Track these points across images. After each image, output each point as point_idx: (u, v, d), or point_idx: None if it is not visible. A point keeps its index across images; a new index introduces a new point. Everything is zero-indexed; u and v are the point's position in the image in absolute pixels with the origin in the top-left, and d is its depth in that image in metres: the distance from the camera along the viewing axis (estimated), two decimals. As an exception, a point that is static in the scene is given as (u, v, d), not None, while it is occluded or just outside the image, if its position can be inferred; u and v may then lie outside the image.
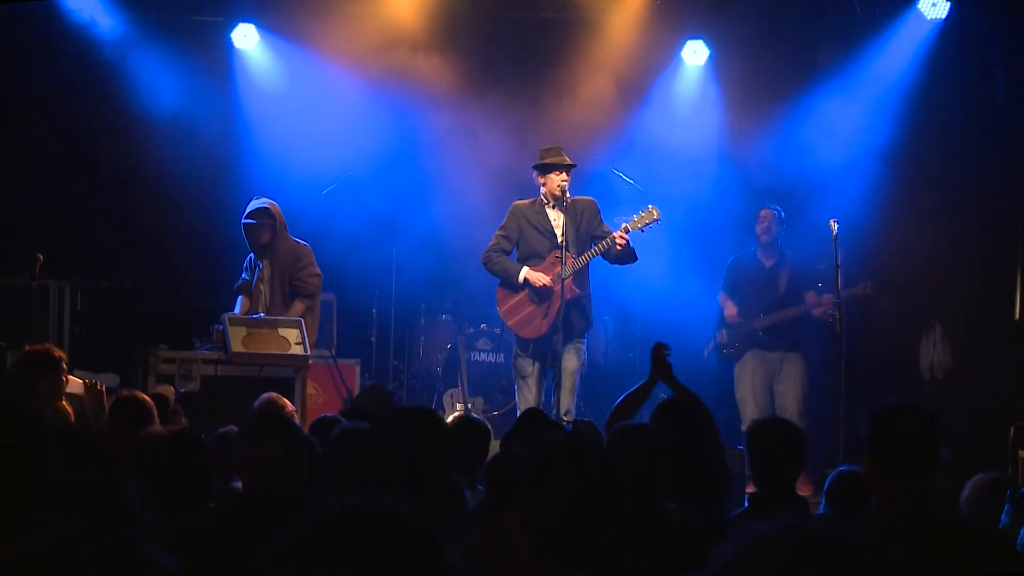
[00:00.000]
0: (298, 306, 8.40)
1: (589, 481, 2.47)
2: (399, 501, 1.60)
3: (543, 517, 2.45)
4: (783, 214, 9.04)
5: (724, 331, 9.16)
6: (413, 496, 2.99)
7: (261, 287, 8.46)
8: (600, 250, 8.02)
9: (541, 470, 2.51)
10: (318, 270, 8.50)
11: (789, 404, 8.84)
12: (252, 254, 8.51)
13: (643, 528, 3.36)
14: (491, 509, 3.49)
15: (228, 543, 3.13)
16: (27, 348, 6.17)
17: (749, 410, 8.85)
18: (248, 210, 8.40)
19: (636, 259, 8.14)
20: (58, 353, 6.07)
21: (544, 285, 8.05)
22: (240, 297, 8.51)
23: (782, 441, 4.20)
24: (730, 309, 9.11)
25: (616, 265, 8.21)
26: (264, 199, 8.46)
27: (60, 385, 5.95)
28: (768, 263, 9.06)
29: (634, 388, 5.44)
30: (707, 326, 9.47)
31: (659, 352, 5.52)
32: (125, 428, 5.08)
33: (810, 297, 8.85)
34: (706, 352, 9.29)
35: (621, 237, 7.94)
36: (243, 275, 8.59)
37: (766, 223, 9.00)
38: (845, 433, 8.62)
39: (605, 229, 8.11)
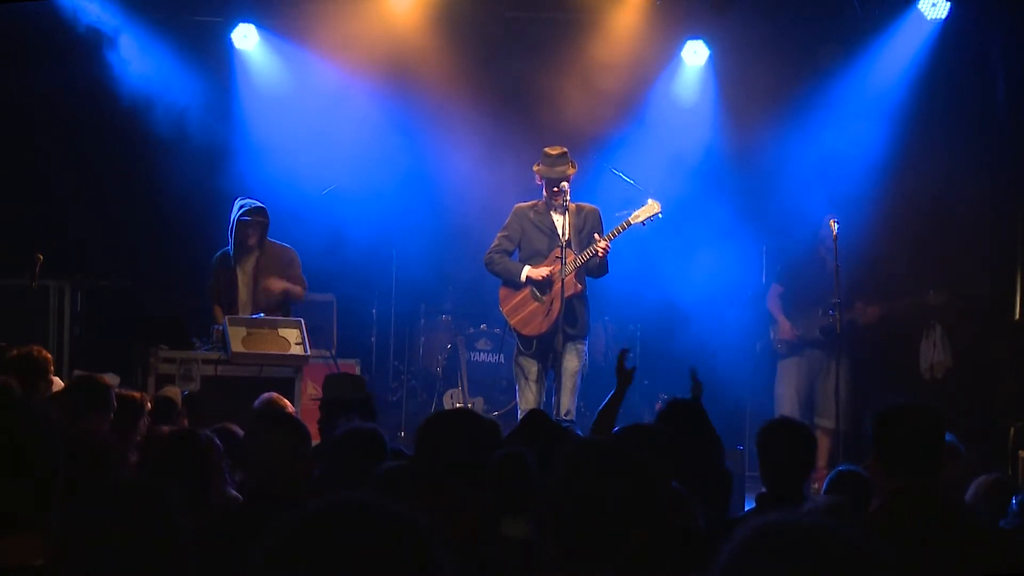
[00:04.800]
0: (296, 287, 8.53)
1: (620, 484, 2.47)
2: (389, 499, 1.60)
3: (573, 519, 2.45)
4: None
5: (778, 328, 9.14)
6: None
7: (239, 289, 8.51)
8: (585, 257, 8.01)
9: (573, 473, 2.51)
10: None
11: (828, 405, 8.77)
12: (219, 255, 8.58)
13: (662, 529, 3.37)
14: (497, 509, 3.49)
15: (230, 543, 3.13)
16: (14, 352, 6.22)
17: (788, 407, 8.81)
18: (245, 207, 8.43)
19: (607, 271, 8.12)
20: (46, 355, 6.15)
21: (546, 276, 8.04)
22: (217, 308, 8.55)
23: (792, 442, 4.22)
24: (784, 325, 9.06)
25: (590, 277, 8.18)
26: (254, 200, 8.53)
27: (51, 387, 6.04)
28: (830, 264, 8.95)
29: (606, 400, 5.50)
30: (709, 325, 9.48)
31: (621, 360, 5.61)
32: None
33: (858, 306, 8.78)
34: (758, 348, 9.29)
35: (605, 247, 7.91)
36: (210, 278, 8.64)
37: (833, 230, 8.78)
38: (845, 433, 8.64)
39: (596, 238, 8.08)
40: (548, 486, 2.57)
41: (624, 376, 5.55)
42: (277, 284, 8.48)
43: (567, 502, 2.48)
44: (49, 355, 6.33)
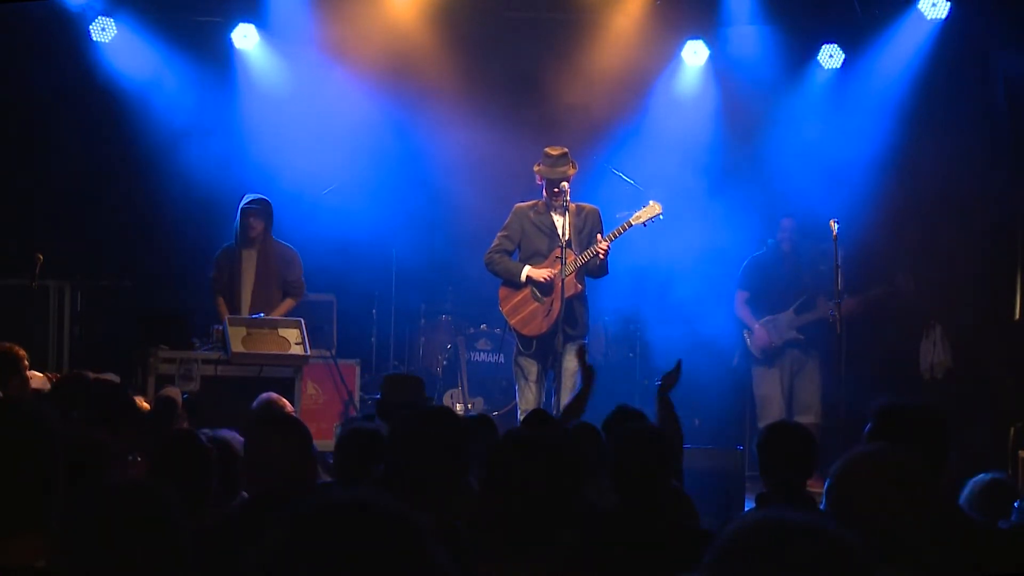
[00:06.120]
0: (289, 302, 8.71)
1: (538, 475, 2.49)
2: (386, 497, 1.60)
3: (498, 508, 2.47)
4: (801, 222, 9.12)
5: (754, 337, 9.17)
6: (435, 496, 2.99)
7: (242, 280, 8.59)
8: (585, 258, 8.01)
9: (495, 464, 2.53)
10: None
11: (812, 400, 8.98)
12: (224, 249, 8.71)
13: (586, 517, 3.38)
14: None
15: (231, 544, 3.13)
16: None
17: (775, 407, 8.91)
18: (249, 198, 8.62)
19: (607, 272, 8.15)
20: (19, 351, 6.17)
21: (547, 278, 8.05)
22: (220, 299, 8.68)
23: (795, 443, 4.28)
24: (760, 333, 9.10)
25: (590, 278, 8.21)
26: (259, 194, 8.71)
27: (26, 383, 6.03)
28: (789, 263, 9.12)
29: (571, 398, 5.62)
30: (710, 324, 9.48)
31: (581, 357, 5.76)
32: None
33: (822, 302, 8.85)
34: (735, 360, 9.34)
35: (605, 248, 7.92)
36: (212, 270, 8.73)
37: (788, 232, 9.12)
38: (845, 433, 8.63)
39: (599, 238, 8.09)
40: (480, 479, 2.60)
41: (587, 374, 5.76)
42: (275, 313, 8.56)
43: (492, 492, 2.49)
44: (22, 351, 6.33)
